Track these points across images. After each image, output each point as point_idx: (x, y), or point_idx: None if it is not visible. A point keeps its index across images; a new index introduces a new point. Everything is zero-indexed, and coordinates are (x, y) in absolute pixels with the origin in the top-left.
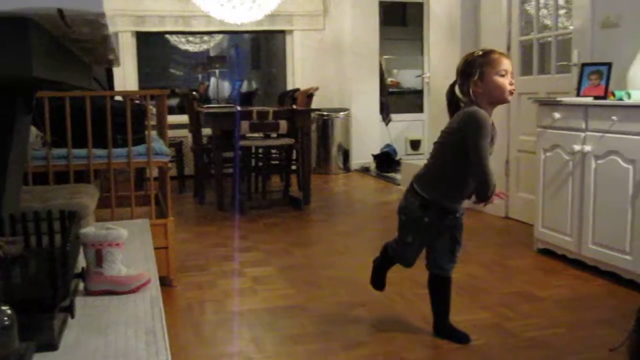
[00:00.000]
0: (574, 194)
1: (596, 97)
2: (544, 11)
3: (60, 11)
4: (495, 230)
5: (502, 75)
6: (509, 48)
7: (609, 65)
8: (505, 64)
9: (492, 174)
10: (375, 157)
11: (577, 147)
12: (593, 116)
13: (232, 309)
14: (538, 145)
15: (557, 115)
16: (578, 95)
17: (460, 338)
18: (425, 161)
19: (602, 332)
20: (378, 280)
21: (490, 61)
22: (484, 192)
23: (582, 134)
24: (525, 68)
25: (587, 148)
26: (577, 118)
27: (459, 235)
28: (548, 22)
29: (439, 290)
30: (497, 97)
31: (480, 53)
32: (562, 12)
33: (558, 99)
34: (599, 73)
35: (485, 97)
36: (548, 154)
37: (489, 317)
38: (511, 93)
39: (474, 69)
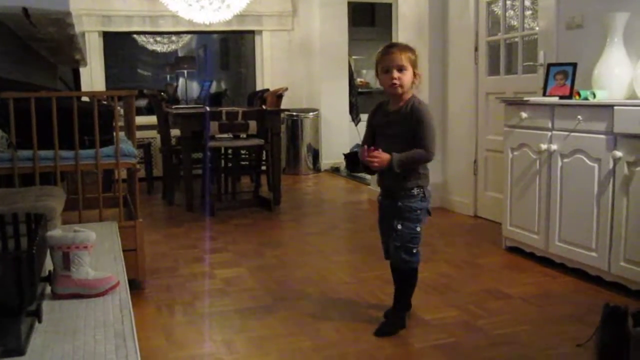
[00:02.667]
0: (540, 193)
1: (562, 97)
2: (510, 12)
3: (25, 10)
4: (464, 229)
5: (386, 72)
6: (476, 48)
7: (574, 65)
8: (384, 61)
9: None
10: (346, 156)
11: (543, 146)
12: (559, 115)
13: (202, 311)
14: (505, 144)
15: (524, 114)
16: (544, 95)
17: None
18: None
19: (569, 328)
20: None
21: (378, 58)
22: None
23: (549, 133)
24: (493, 68)
25: (554, 147)
26: (544, 117)
27: (397, 223)
28: (515, 22)
29: (397, 281)
30: (386, 92)
31: (380, 49)
32: (528, 13)
33: (525, 98)
34: (565, 73)
35: (384, 90)
36: (515, 153)
37: (458, 315)
38: (393, 86)
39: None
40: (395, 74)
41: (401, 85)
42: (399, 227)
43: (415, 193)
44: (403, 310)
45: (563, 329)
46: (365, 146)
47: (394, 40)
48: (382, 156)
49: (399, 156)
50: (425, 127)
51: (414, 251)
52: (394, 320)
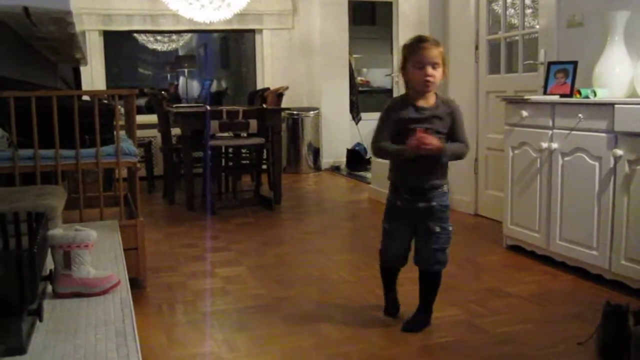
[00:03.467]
0: (541, 191)
1: (562, 95)
2: (511, 10)
3: (26, 9)
4: (465, 228)
5: (420, 68)
6: (477, 47)
7: (574, 63)
8: (418, 57)
9: (382, 147)
10: (349, 151)
11: (544, 145)
12: (560, 114)
13: (203, 310)
14: (506, 143)
15: (524, 113)
16: (545, 93)
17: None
18: None
19: (570, 327)
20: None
21: (407, 52)
22: (384, 157)
23: (549, 132)
24: (493, 66)
25: (554, 145)
26: (544, 116)
27: (434, 225)
28: (515, 21)
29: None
30: (414, 88)
31: (407, 42)
32: (528, 11)
33: (525, 97)
34: (565, 71)
35: (410, 85)
36: (516, 151)
37: (459, 314)
38: (426, 83)
39: (401, 58)
40: (430, 70)
41: (434, 83)
42: (437, 229)
43: (446, 190)
44: (431, 311)
45: (564, 327)
46: (419, 129)
47: (394, 39)
48: (434, 142)
49: (450, 146)
50: (463, 123)
51: (447, 251)
52: (424, 319)
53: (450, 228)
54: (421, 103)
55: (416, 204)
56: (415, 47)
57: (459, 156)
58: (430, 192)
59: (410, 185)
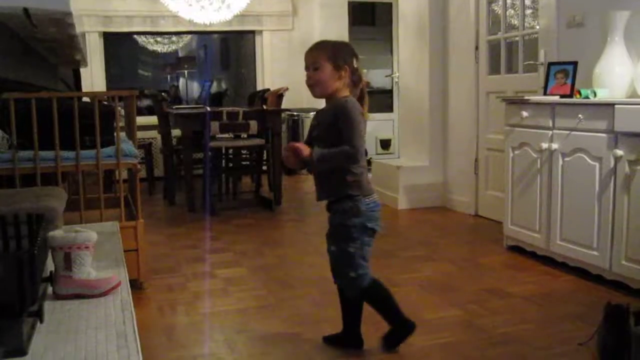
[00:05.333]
0: (542, 191)
1: (563, 96)
2: (511, 11)
3: (26, 10)
4: (465, 228)
5: (306, 72)
6: (477, 47)
7: (574, 64)
8: (305, 60)
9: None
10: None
11: (544, 145)
12: (560, 114)
13: (203, 311)
14: (506, 143)
15: (524, 113)
16: (545, 93)
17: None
18: (393, 160)
19: (571, 327)
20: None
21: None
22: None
23: (550, 132)
24: (493, 67)
25: (555, 146)
26: (545, 116)
27: (330, 244)
28: (515, 21)
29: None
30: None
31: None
32: (528, 12)
33: (525, 97)
34: (565, 72)
35: None
36: (516, 152)
37: (459, 315)
38: (310, 87)
39: None
40: (309, 73)
41: (315, 85)
42: (332, 248)
43: (347, 207)
44: (398, 323)
45: (564, 327)
46: (290, 142)
47: (394, 40)
48: (303, 151)
49: (320, 152)
50: (349, 124)
51: (352, 275)
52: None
53: (352, 250)
54: (321, 108)
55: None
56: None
57: (334, 159)
58: (331, 207)
59: (319, 198)
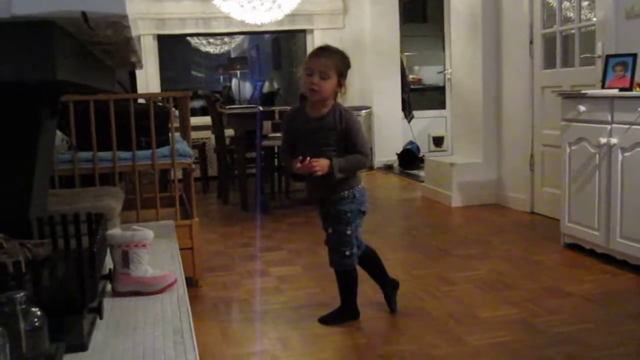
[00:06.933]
0: (600, 188)
1: (622, 89)
2: (566, 3)
3: (84, 14)
4: (521, 226)
5: (308, 75)
6: (531, 41)
7: (634, 56)
8: (309, 63)
9: (283, 158)
10: (399, 155)
11: (603, 140)
12: (619, 108)
13: (257, 308)
14: (563, 139)
15: (582, 108)
16: (603, 87)
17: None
18: (446, 157)
19: (632, 327)
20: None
21: (308, 57)
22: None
23: (608, 127)
24: (549, 61)
25: (614, 141)
26: (603, 110)
27: (327, 226)
28: (571, 14)
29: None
30: (307, 96)
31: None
32: (585, 3)
33: (583, 91)
34: (624, 64)
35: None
36: (573, 147)
37: (515, 313)
38: (310, 91)
39: None
40: (316, 79)
41: (319, 93)
42: (330, 230)
43: (346, 195)
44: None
45: (625, 328)
46: (300, 157)
47: (446, 36)
48: (320, 162)
49: (340, 162)
50: (359, 133)
51: (345, 253)
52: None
53: (349, 232)
54: (312, 113)
55: (322, 210)
56: (311, 54)
57: (352, 169)
58: (329, 199)
59: (314, 196)
